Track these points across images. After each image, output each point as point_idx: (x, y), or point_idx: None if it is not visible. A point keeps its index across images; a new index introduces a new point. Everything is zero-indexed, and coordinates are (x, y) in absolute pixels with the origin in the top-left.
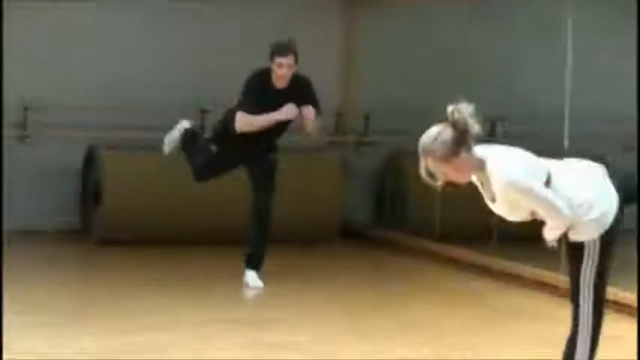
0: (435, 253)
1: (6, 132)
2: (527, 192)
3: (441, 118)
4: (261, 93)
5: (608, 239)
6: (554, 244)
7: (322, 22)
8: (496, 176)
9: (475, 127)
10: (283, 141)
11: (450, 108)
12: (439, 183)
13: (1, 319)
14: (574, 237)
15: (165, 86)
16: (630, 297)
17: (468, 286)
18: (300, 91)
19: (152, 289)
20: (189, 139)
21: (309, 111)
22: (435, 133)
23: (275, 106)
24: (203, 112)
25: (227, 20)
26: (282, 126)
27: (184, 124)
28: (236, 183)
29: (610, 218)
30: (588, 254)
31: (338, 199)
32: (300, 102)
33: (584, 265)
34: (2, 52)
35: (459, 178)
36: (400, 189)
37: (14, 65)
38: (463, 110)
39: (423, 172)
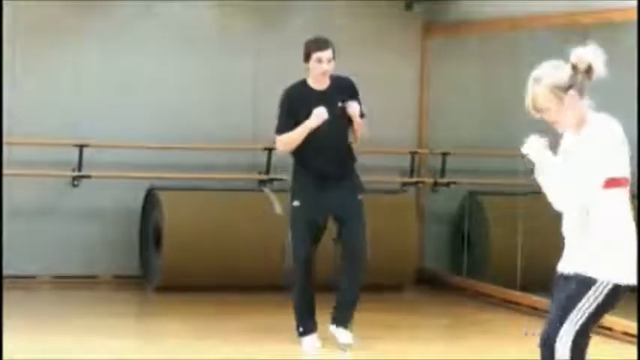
0: (516, 302)
1: (60, 172)
2: (601, 155)
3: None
4: (298, 104)
5: (618, 296)
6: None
7: (398, 58)
8: (596, 126)
9: (600, 69)
10: None
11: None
12: (538, 116)
13: (1, 320)
14: (584, 268)
15: (227, 125)
16: None
17: None
18: (343, 91)
19: (216, 341)
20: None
21: (354, 106)
22: (555, 63)
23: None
24: (270, 150)
25: (295, 57)
26: (333, 135)
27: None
28: None
29: (633, 275)
30: (591, 295)
31: (413, 243)
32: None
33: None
34: (2, 52)
35: (560, 118)
36: (479, 233)
37: (71, 102)
38: (589, 54)
39: (528, 102)
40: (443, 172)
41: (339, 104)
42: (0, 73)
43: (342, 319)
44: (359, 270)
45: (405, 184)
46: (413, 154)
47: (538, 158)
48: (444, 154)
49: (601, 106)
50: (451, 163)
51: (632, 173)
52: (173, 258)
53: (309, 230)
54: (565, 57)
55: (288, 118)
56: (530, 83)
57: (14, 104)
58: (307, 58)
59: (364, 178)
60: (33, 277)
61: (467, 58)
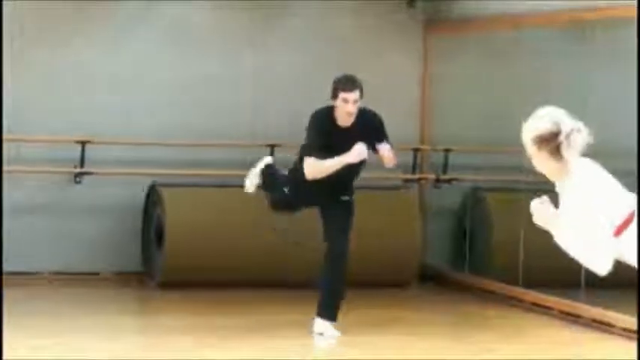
0: (518, 298)
1: (62, 168)
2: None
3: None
4: (326, 134)
5: None
6: None
7: (399, 55)
8: (578, 172)
9: (577, 144)
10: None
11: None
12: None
13: (1, 320)
14: None
15: (230, 123)
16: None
17: (557, 335)
18: (368, 126)
19: (218, 337)
20: (268, 175)
21: (385, 149)
22: (542, 115)
23: (343, 146)
24: (272, 147)
25: (297, 55)
26: (355, 167)
27: (265, 160)
28: (306, 224)
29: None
30: None
31: (415, 240)
32: (369, 138)
33: None
34: (2, 54)
35: (540, 169)
36: (481, 229)
37: (73, 99)
38: (573, 125)
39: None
40: (445, 169)
41: (368, 149)
42: (0, 73)
43: (326, 313)
44: (343, 270)
45: (407, 180)
46: (415, 150)
47: (548, 224)
48: (447, 151)
49: (604, 105)
50: (453, 159)
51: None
52: (175, 254)
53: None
54: (567, 56)
55: (318, 145)
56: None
57: (17, 101)
58: (334, 95)
59: (367, 174)
60: (35, 273)
61: (469, 55)
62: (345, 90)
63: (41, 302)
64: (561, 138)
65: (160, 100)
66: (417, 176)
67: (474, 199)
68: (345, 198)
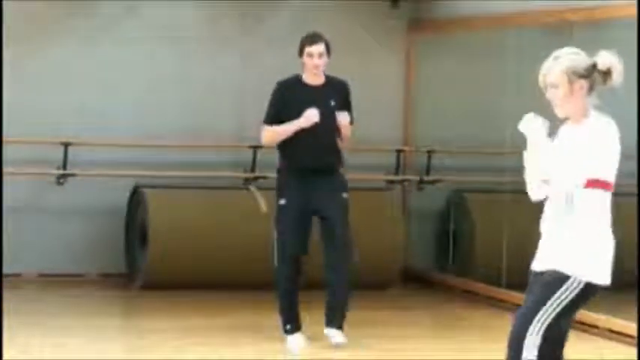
0: (501, 300)
1: (45, 169)
2: (600, 153)
3: (509, 151)
4: (290, 97)
5: (589, 295)
6: None
7: (383, 56)
8: (595, 124)
9: (617, 78)
10: None
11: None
12: (547, 93)
13: (1, 320)
14: (558, 265)
15: (215, 124)
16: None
17: None
18: (336, 92)
19: (201, 339)
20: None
21: (343, 116)
22: (577, 51)
23: (312, 107)
24: (255, 149)
25: (282, 56)
26: (323, 135)
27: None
28: None
29: (606, 276)
30: (563, 291)
31: (398, 241)
32: (336, 103)
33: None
34: (2, 54)
35: (563, 103)
36: (464, 231)
37: (56, 100)
38: (613, 60)
39: (541, 77)
40: (428, 170)
41: (333, 106)
42: (0, 73)
43: (334, 320)
44: (346, 270)
45: (390, 182)
46: (398, 151)
47: (532, 136)
48: (430, 152)
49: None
50: (437, 160)
51: (630, 174)
52: (158, 256)
53: (297, 225)
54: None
55: (276, 110)
56: (548, 60)
57: None
58: (301, 52)
59: (350, 176)
60: (18, 275)
61: (453, 55)
62: (310, 44)
63: (25, 304)
64: (603, 70)
65: (144, 101)
66: (400, 178)
67: (457, 200)
68: (339, 193)
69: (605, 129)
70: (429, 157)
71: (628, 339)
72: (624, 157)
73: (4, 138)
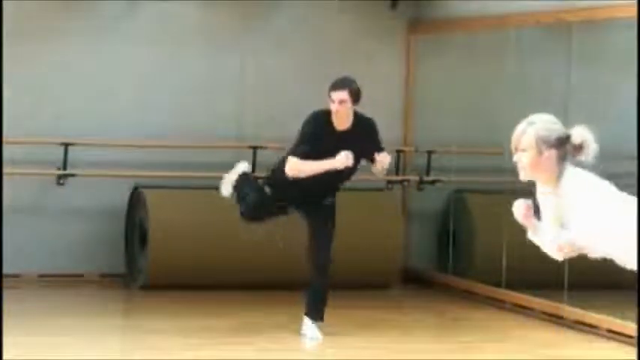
0: (500, 300)
1: (45, 170)
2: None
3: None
4: (320, 136)
5: None
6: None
7: (382, 56)
8: (572, 178)
9: (589, 155)
10: None
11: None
12: (514, 156)
13: (1, 320)
14: None
15: (212, 124)
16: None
17: (540, 336)
18: (363, 134)
19: (201, 339)
20: (244, 180)
21: (385, 157)
22: (555, 120)
23: (335, 150)
24: (255, 149)
25: (282, 57)
26: (342, 173)
27: (242, 166)
28: (289, 227)
29: None
30: None
31: (398, 241)
32: (364, 143)
33: None
34: (2, 54)
35: (528, 168)
36: (464, 231)
37: (56, 100)
38: (587, 135)
39: (513, 138)
40: (428, 170)
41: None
42: (0, 73)
43: (313, 314)
44: (327, 273)
45: (390, 182)
46: (398, 152)
47: (522, 222)
48: (430, 152)
49: (586, 105)
50: (436, 161)
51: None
52: (158, 256)
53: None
54: (550, 55)
55: (308, 145)
56: (523, 122)
57: None
58: (328, 96)
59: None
60: (18, 275)
61: (452, 56)
62: (332, 89)
63: (25, 304)
64: (576, 144)
65: (144, 102)
66: (400, 178)
67: (457, 200)
68: (329, 201)
69: (583, 179)
70: (429, 157)
71: (628, 339)
72: (624, 157)
73: (4, 138)
